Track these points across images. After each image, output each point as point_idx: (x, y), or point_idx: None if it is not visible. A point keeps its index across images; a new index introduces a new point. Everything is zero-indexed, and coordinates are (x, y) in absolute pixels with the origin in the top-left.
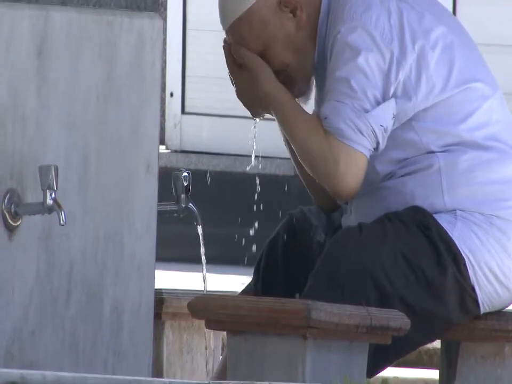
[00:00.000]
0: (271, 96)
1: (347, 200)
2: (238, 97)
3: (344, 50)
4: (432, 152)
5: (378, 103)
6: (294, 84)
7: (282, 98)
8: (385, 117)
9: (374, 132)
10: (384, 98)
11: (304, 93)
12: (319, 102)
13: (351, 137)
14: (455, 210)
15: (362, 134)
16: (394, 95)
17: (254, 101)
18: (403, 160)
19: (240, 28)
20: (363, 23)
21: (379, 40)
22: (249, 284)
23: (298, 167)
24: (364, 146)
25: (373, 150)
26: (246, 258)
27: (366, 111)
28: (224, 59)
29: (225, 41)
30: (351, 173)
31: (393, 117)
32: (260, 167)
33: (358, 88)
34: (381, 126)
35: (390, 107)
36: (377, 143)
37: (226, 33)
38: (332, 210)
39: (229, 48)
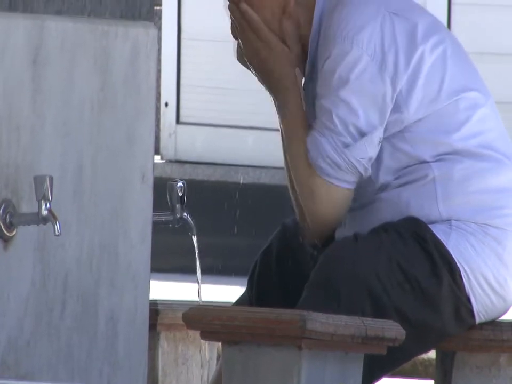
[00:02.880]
0: (286, 91)
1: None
2: (238, 57)
3: (332, 77)
4: (426, 162)
5: (362, 134)
6: None
7: (295, 94)
8: (366, 149)
9: (353, 166)
10: (371, 126)
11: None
12: (310, 111)
13: (330, 173)
14: (450, 220)
15: (342, 169)
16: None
17: (258, 71)
18: (398, 169)
19: None
20: (355, 46)
21: (369, 65)
22: (243, 294)
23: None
24: (345, 180)
25: (357, 179)
26: (241, 269)
27: (346, 146)
28: (218, 69)
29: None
30: (328, 210)
31: (379, 143)
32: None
33: (339, 121)
34: (361, 158)
35: (374, 138)
36: (360, 173)
37: None
38: (325, 241)
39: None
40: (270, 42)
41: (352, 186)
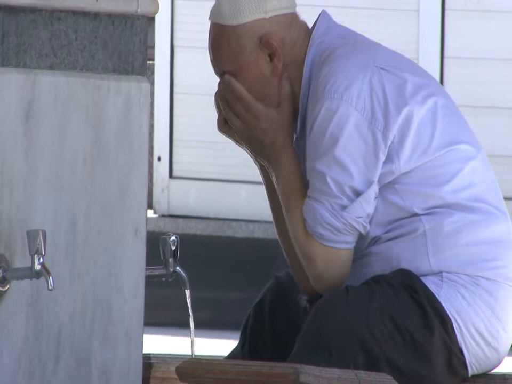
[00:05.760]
0: (278, 157)
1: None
2: (241, 138)
3: (323, 137)
4: (416, 215)
5: (357, 194)
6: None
7: (286, 166)
8: (363, 207)
9: (352, 226)
10: (366, 183)
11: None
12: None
13: (330, 238)
14: (441, 272)
15: (342, 232)
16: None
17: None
18: (388, 223)
19: (221, 36)
20: (344, 102)
21: (360, 121)
22: (236, 347)
23: (283, 246)
24: (344, 242)
25: (356, 238)
26: (233, 322)
27: (344, 208)
28: (211, 123)
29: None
30: (331, 273)
31: (376, 198)
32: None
33: (334, 184)
34: (359, 217)
35: (370, 194)
36: (359, 232)
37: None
38: (317, 294)
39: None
40: (257, 111)
41: (351, 246)
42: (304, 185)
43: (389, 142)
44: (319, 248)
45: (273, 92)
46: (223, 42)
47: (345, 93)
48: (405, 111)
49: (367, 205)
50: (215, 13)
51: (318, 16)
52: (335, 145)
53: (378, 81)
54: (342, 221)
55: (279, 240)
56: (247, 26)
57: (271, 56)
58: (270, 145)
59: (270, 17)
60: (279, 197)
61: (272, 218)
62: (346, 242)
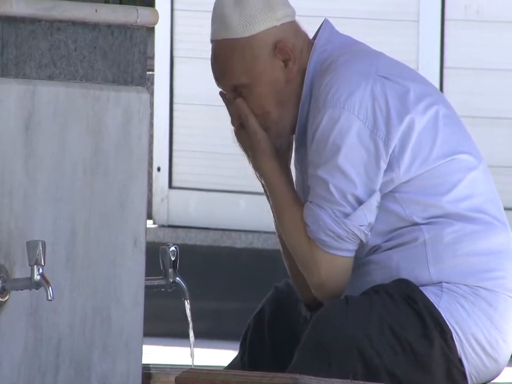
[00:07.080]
0: (265, 175)
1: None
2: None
3: (325, 145)
4: (417, 224)
5: (360, 202)
6: (267, 133)
7: (275, 181)
8: (366, 216)
9: (354, 234)
10: (368, 192)
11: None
12: (299, 176)
13: (333, 245)
14: (441, 282)
15: (344, 240)
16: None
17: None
18: (389, 232)
19: (233, 50)
20: (346, 111)
21: (362, 129)
22: (236, 357)
23: (285, 258)
24: (346, 249)
25: (357, 246)
26: (233, 333)
27: (346, 215)
28: (210, 134)
29: (222, 94)
30: (332, 279)
31: (378, 206)
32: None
33: (337, 192)
34: (361, 226)
35: (372, 203)
36: (361, 240)
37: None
38: (316, 303)
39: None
40: (235, 135)
41: (353, 254)
42: (297, 197)
43: (390, 151)
44: (322, 255)
45: (290, 98)
46: (236, 56)
47: (347, 101)
48: (406, 120)
49: (369, 214)
50: (221, 29)
51: (320, 25)
52: (337, 153)
53: (381, 90)
54: (344, 228)
55: (281, 250)
56: (260, 36)
57: (285, 62)
58: (252, 166)
59: (281, 25)
60: (273, 210)
61: (274, 229)
62: (348, 250)
